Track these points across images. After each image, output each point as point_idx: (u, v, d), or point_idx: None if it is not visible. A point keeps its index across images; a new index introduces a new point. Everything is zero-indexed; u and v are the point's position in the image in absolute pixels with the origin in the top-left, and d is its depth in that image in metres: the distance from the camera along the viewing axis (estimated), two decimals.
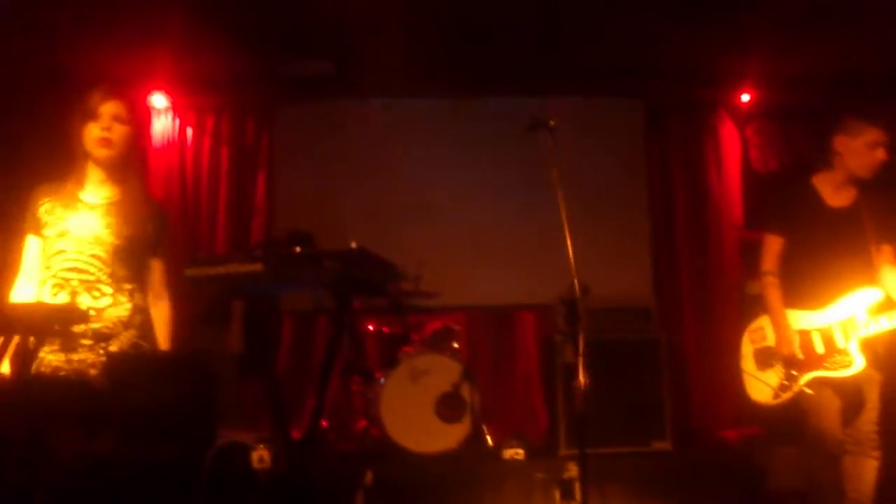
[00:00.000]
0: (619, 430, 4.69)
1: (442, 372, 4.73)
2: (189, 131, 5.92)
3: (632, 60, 5.51)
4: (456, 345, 5.09)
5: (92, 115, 2.71)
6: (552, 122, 3.12)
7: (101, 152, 2.72)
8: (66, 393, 2.62)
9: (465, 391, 4.71)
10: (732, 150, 6.09)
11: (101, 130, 2.70)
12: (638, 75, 5.71)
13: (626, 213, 5.91)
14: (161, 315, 2.86)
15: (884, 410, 3.19)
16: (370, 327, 5.26)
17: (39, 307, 2.50)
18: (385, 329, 5.19)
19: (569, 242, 2.91)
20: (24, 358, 2.38)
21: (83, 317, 2.54)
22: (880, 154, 3.21)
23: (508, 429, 5.25)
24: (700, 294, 5.88)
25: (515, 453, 4.68)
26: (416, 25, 4.83)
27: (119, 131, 2.73)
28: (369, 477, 4.12)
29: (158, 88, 5.73)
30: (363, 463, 4.27)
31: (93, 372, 2.63)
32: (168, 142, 5.87)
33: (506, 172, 5.72)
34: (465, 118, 5.89)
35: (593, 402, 4.54)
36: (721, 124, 6.10)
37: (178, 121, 5.90)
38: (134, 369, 2.56)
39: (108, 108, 2.72)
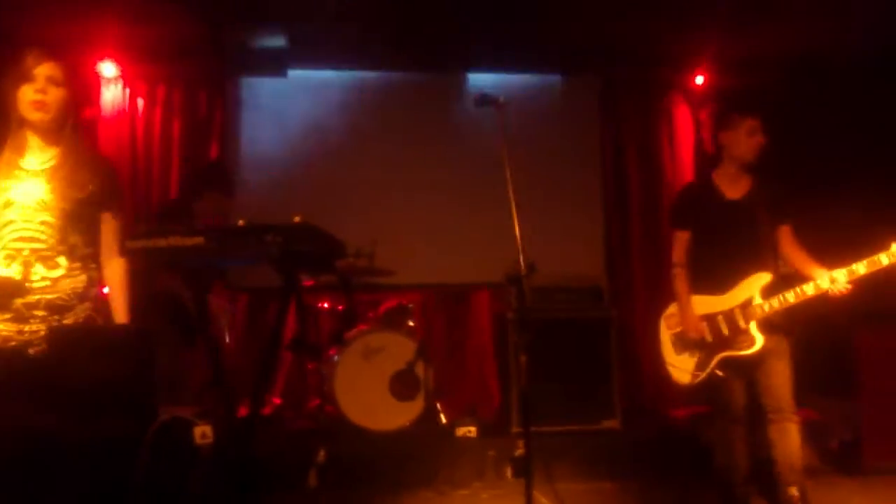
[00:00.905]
0: (569, 408, 4.73)
1: (396, 350, 4.73)
2: (140, 101, 5.78)
3: (587, 39, 5.49)
4: (411, 323, 5.08)
5: (26, 78, 2.63)
6: (501, 99, 3.11)
7: (35, 115, 2.65)
8: (8, 366, 2.55)
9: (420, 369, 4.72)
10: (686, 133, 6.15)
11: (34, 93, 2.62)
12: (592, 54, 5.71)
13: (580, 192, 5.94)
14: (115, 274, 2.79)
15: (796, 371, 3.46)
16: (324, 305, 5.21)
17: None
18: (340, 307, 5.15)
19: (515, 219, 2.91)
20: None
21: (20, 290, 2.47)
22: (759, 138, 3.53)
23: (462, 406, 5.28)
24: (651, 273, 5.92)
25: (468, 431, 4.70)
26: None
27: (54, 94, 2.66)
28: (322, 454, 4.12)
29: (108, 56, 5.58)
30: (317, 440, 4.27)
31: (44, 345, 2.58)
32: (118, 111, 5.73)
33: (462, 148, 5.67)
34: (418, 93, 5.84)
35: (543, 381, 4.61)
36: (675, 106, 6.15)
37: (128, 90, 5.76)
38: (76, 343, 2.51)
39: (43, 70, 2.64)
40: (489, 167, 3.17)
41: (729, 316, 3.49)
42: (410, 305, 5.14)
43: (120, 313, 2.76)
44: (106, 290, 2.80)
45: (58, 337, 2.53)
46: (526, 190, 3.01)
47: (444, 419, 4.86)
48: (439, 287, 5.79)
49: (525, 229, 2.94)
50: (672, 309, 3.74)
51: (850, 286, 3.28)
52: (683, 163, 6.10)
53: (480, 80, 5.79)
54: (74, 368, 2.39)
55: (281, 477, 4.08)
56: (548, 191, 5.66)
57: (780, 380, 3.44)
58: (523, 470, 3.11)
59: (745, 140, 3.53)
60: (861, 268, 3.25)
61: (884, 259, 3.20)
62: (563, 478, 4.12)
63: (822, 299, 3.35)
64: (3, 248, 2.61)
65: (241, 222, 2.36)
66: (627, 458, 4.49)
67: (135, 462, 2.32)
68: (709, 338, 3.55)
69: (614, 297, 5.60)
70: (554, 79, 5.97)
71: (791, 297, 3.36)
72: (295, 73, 5.77)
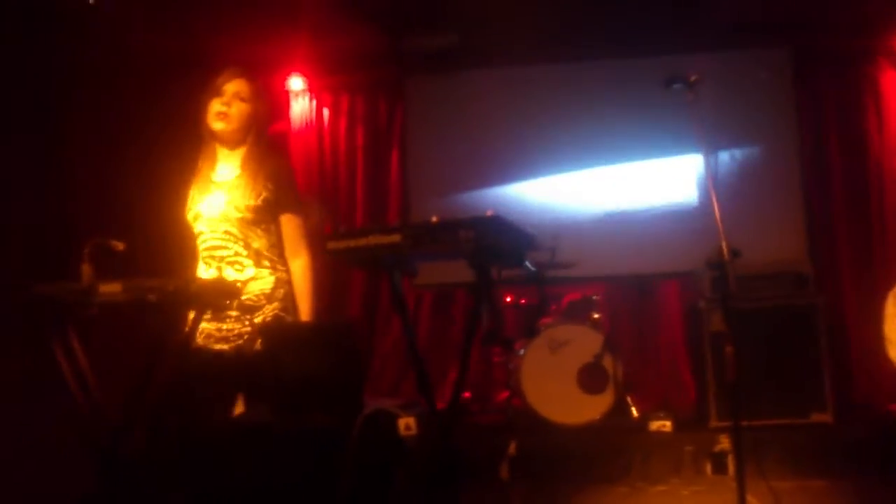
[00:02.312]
0: (774, 401, 4.43)
1: (582, 342, 4.66)
2: (325, 112, 6.09)
3: (776, 13, 5.16)
4: (596, 315, 4.99)
5: (216, 93, 2.82)
6: (692, 77, 2.96)
7: (218, 125, 2.82)
8: (224, 365, 2.76)
9: (607, 362, 4.62)
10: (895, 102, 5.58)
11: (220, 105, 2.81)
12: (784, 25, 5.35)
13: (778, 172, 5.57)
14: (298, 271, 2.86)
15: None
16: (508, 299, 5.24)
17: (216, 283, 2.63)
18: (522, 300, 5.16)
19: (714, 202, 2.75)
20: (192, 330, 2.53)
21: (235, 291, 2.65)
22: None
23: (654, 400, 5.14)
24: (860, 258, 5.47)
25: (662, 425, 4.53)
26: None
27: (238, 108, 2.82)
28: (513, 447, 4.13)
29: (296, 71, 5.92)
30: (507, 434, 4.29)
31: (240, 342, 2.77)
32: (306, 123, 6.07)
33: (645, 134, 5.51)
34: (600, 80, 5.73)
35: (747, 373, 4.35)
36: (880, 73, 5.60)
37: (314, 102, 6.08)
38: (286, 340, 2.66)
39: (232, 87, 2.83)
40: (677, 152, 3.03)
41: None
42: (595, 297, 5.05)
43: (304, 311, 2.86)
44: None
45: (270, 333, 2.70)
46: (723, 173, 2.86)
47: (635, 413, 4.73)
48: (624, 278, 5.64)
49: (723, 215, 2.79)
50: None
51: None
52: (892, 136, 5.55)
53: (666, 62, 5.56)
54: (285, 363, 2.53)
55: (474, 470, 4.13)
56: (742, 172, 5.37)
57: None
58: (724, 466, 2.96)
59: None
60: None
61: None
62: (771, 474, 3.87)
63: None
64: (201, 258, 2.85)
65: (434, 219, 2.40)
66: (841, 454, 4.14)
67: (344, 454, 2.43)
68: None
69: (819, 283, 5.20)
70: (745, 54, 5.63)
71: None
72: (469, 73, 5.84)
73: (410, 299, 5.75)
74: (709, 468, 4.07)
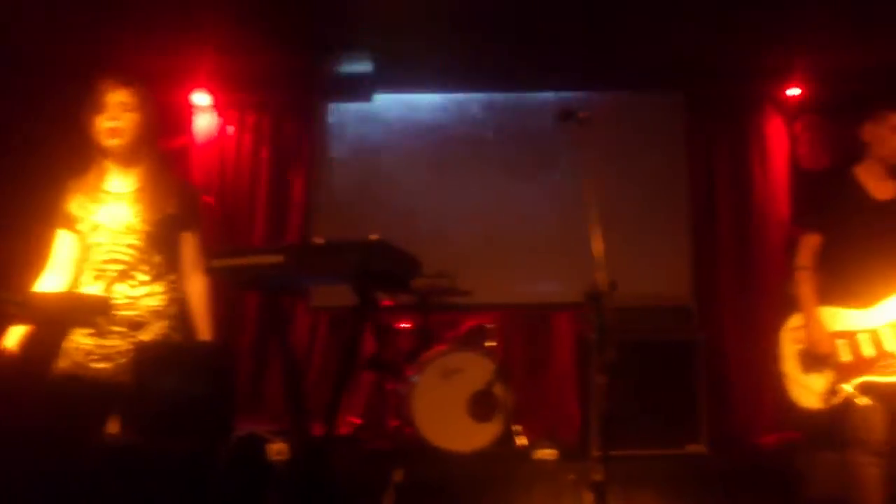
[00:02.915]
0: (653, 432, 4.59)
1: (475, 370, 4.70)
2: (230, 129, 6.00)
3: (672, 54, 5.37)
4: (490, 343, 5.05)
5: (98, 108, 2.72)
6: (581, 114, 3.03)
7: (111, 142, 2.74)
8: (97, 384, 2.66)
9: (499, 390, 4.68)
10: (779, 147, 5.90)
11: (108, 121, 2.72)
12: (679, 69, 5.57)
13: (667, 210, 5.77)
14: (195, 290, 2.83)
15: None
16: (403, 325, 5.25)
17: (65, 297, 2.54)
18: (416, 327, 5.17)
19: (597, 236, 2.83)
20: (49, 347, 2.44)
21: (104, 307, 2.58)
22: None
23: (542, 429, 5.20)
24: (742, 294, 5.72)
25: (547, 454, 4.62)
26: (455, 19, 4.80)
27: (127, 119, 2.74)
28: (399, 475, 4.11)
29: (200, 86, 5.82)
30: (394, 461, 4.27)
31: (122, 360, 2.68)
32: (210, 139, 5.96)
33: (545, 168, 5.65)
34: (504, 112, 5.84)
35: (627, 403, 4.49)
36: (767, 120, 5.92)
37: (219, 118, 5.99)
38: (159, 359, 2.60)
39: (114, 98, 2.73)
40: (574, 186, 3.10)
41: (875, 335, 3.06)
42: (490, 326, 5.11)
43: (202, 330, 2.82)
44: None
45: (142, 353, 2.63)
46: (611, 209, 2.94)
47: (523, 441, 4.79)
48: (520, 307, 5.74)
49: (609, 249, 2.86)
50: (797, 321, 3.26)
51: None
52: (777, 180, 5.86)
53: (563, 98, 5.74)
54: (156, 384, 2.47)
55: (358, 497, 4.10)
56: (633, 210, 5.57)
57: None
58: (603, 495, 3.03)
59: (889, 136, 3.12)
60: None
61: None
62: (645, 503, 4.00)
63: None
64: (92, 268, 2.74)
65: (318, 240, 2.41)
66: (714, 484, 4.30)
67: (211, 477, 2.38)
68: (844, 358, 3.10)
69: (702, 319, 5.43)
70: (638, 96, 5.86)
71: None
72: (381, 98, 5.88)
73: (306, 321, 5.70)
74: (588, 498, 4.15)
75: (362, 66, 5.55)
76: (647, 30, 5.02)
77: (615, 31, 5.04)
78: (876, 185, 3.17)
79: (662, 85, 5.79)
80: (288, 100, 6.03)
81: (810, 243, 3.24)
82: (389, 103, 5.91)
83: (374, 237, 2.39)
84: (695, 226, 5.81)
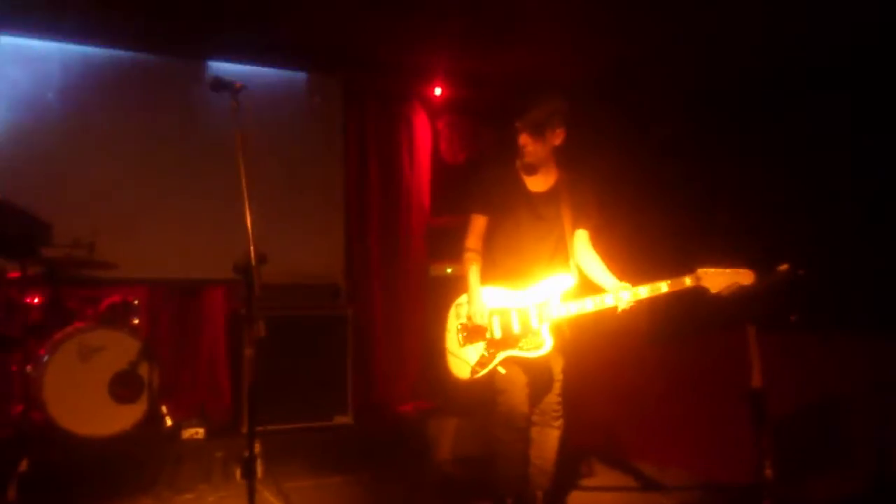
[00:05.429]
0: (302, 405, 4.74)
1: (117, 349, 4.45)
2: None
3: (329, 40, 5.51)
4: (136, 321, 4.77)
5: None
6: (237, 84, 2.97)
7: None
8: None
9: (143, 369, 4.46)
10: (424, 141, 6.41)
11: None
12: (336, 55, 5.74)
13: (322, 190, 5.92)
14: None
15: (565, 385, 3.46)
16: (35, 300, 4.71)
17: None
18: (48, 301, 4.67)
19: (247, 208, 2.80)
20: None
21: None
22: (520, 141, 3.36)
23: (192, 408, 5.05)
24: (388, 274, 6.13)
25: (195, 433, 4.53)
26: None
27: None
28: (24, 464, 3.72)
29: None
30: (19, 450, 3.84)
31: None
32: None
33: (198, 137, 5.41)
34: (152, 76, 5.44)
35: (278, 379, 4.56)
36: (415, 114, 6.38)
37: None
38: None
39: None
40: (228, 158, 2.99)
41: (523, 314, 3.32)
42: (135, 301, 4.82)
43: None
44: None
45: None
46: (266, 184, 2.95)
47: (169, 421, 4.61)
48: (169, 282, 5.44)
49: (263, 225, 2.85)
50: (463, 299, 3.46)
51: (632, 304, 3.19)
52: (421, 169, 6.36)
53: (221, 69, 5.54)
54: None
55: None
56: (290, 187, 5.63)
57: (551, 384, 3.41)
58: (252, 469, 3.05)
59: (518, 141, 3.38)
60: (645, 291, 3.18)
61: (663, 287, 3.17)
62: (293, 475, 4.11)
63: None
64: None
65: None
66: (358, 452, 4.58)
67: None
68: (496, 333, 3.35)
69: (352, 296, 5.69)
70: (300, 76, 5.91)
71: (591, 305, 3.24)
72: (8, 40, 5.14)
73: None
74: (238, 473, 4.14)
75: None
76: (311, 15, 5.08)
77: (280, 11, 5.02)
78: (532, 179, 3.45)
79: (323, 70, 5.92)
80: None
81: (477, 225, 3.47)
82: (19, 48, 5.19)
83: None
84: (347, 208, 6.06)
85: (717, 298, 3.19)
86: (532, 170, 3.45)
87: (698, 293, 3.19)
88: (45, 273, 4.38)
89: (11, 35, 5.13)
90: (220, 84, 2.97)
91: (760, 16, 4.52)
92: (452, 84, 6.27)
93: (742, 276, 3.17)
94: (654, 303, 3.25)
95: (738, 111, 5.10)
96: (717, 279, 3.17)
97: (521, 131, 3.36)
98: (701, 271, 3.17)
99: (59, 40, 5.25)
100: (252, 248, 2.73)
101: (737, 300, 3.20)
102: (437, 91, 6.30)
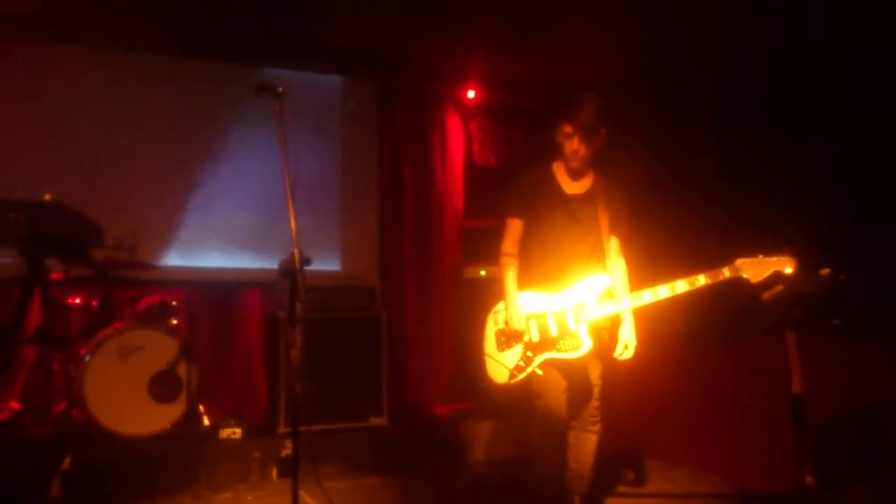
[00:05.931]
0: (337, 407, 4.76)
1: (156, 349, 4.50)
2: None
3: (364, 45, 5.56)
4: (174, 321, 4.83)
5: None
6: (280, 88, 3.00)
7: None
8: None
9: (182, 369, 4.52)
10: (457, 143, 6.39)
11: None
12: (371, 60, 5.78)
13: (357, 194, 5.94)
14: None
15: (603, 389, 3.45)
16: (76, 300, 4.80)
17: None
18: (93, 302, 4.77)
19: (291, 212, 2.84)
20: None
21: None
22: (573, 144, 3.31)
23: (228, 408, 5.11)
24: (421, 276, 6.12)
25: (232, 433, 4.56)
26: None
27: None
28: (67, 462, 3.79)
29: None
30: (61, 448, 3.92)
31: None
32: None
33: (235, 141, 5.47)
34: (196, 80, 5.50)
35: (313, 380, 4.59)
36: (448, 117, 6.37)
37: None
38: None
39: None
40: (266, 162, 3.03)
41: (560, 316, 3.30)
42: (174, 302, 4.88)
43: None
44: None
45: None
46: (304, 188, 2.95)
47: (207, 421, 4.67)
48: (207, 284, 5.52)
49: (300, 226, 2.87)
50: (501, 305, 3.45)
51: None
52: (454, 171, 6.35)
53: (263, 73, 5.60)
54: None
55: (19, 489, 3.71)
56: (326, 191, 5.67)
57: (589, 388, 3.40)
58: (289, 470, 3.08)
59: (562, 143, 3.35)
60: (683, 286, 3.17)
61: (701, 279, 3.17)
62: (331, 476, 4.14)
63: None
64: None
65: None
66: (393, 454, 4.59)
67: None
68: (534, 337, 3.33)
69: (385, 298, 5.72)
70: (335, 79, 5.95)
71: (628, 304, 3.25)
72: (52, 45, 5.22)
73: None
74: (275, 473, 4.19)
75: (29, 6, 4.90)
76: (348, 21, 5.13)
77: (315, 16, 5.07)
78: (568, 181, 3.42)
79: (358, 73, 5.95)
80: None
81: (513, 230, 3.45)
82: (67, 54, 5.26)
83: (47, 196, 2.18)
84: (382, 211, 6.06)
85: (757, 301, 3.17)
86: (577, 174, 3.42)
87: (739, 285, 3.17)
88: (94, 274, 4.45)
89: (59, 43, 5.22)
90: (264, 87, 3.00)
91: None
92: (485, 87, 6.26)
93: (783, 263, 3.14)
94: (692, 303, 3.24)
95: (778, 111, 5.04)
96: (758, 268, 3.16)
97: (573, 134, 3.32)
98: (740, 261, 3.17)
99: (112, 47, 5.34)
100: (297, 250, 2.74)
101: (776, 302, 3.17)
102: (471, 94, 6.29)
